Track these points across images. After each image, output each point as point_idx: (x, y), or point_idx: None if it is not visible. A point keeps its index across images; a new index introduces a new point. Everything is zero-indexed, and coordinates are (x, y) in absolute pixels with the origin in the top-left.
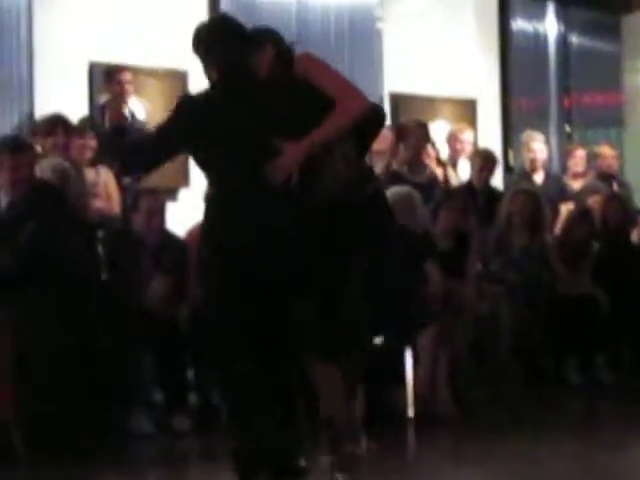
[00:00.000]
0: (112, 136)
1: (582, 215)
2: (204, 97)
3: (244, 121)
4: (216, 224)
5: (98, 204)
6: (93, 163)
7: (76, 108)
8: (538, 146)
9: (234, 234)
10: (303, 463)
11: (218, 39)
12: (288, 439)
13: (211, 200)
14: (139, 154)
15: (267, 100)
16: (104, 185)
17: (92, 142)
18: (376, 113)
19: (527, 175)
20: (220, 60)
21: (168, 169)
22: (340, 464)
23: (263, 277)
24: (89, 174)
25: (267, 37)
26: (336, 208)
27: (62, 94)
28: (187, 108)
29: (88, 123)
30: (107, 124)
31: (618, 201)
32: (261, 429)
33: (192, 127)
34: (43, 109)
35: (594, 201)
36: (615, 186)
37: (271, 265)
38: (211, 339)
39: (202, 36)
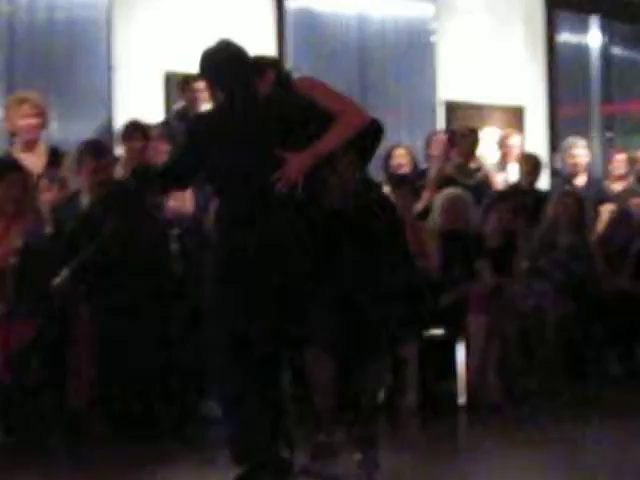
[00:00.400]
0: (138, 174)
1: (623, 216)
2: (213, 116)
3: (249, 136)
4: (225, 235)
5: (172, 203)
6: None
7: (152, 116)
8: (579, 151)
9: (241, 246)
10: (286, 455)
11: (225, 62)
12: (270, 432)
13: (220, 215)
14: (169, 176)
15: (269, 115)
16: None
17: (166, 146)
18: (375, 126)
19: (569, 179)
20: (226, 82)
21: None
22: (313, 453)
23: (269, 287)
24: None
25: (269, 63)
26: (337, 217)
27: (139, 103)
28: (199, 128)
29: (164, 128)
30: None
31: None
32: (245, 421)
33: (203, 144)
34: (122, 117)
35: (634, 204)
36: None
37: (278, 277)
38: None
39: (208, 59)
